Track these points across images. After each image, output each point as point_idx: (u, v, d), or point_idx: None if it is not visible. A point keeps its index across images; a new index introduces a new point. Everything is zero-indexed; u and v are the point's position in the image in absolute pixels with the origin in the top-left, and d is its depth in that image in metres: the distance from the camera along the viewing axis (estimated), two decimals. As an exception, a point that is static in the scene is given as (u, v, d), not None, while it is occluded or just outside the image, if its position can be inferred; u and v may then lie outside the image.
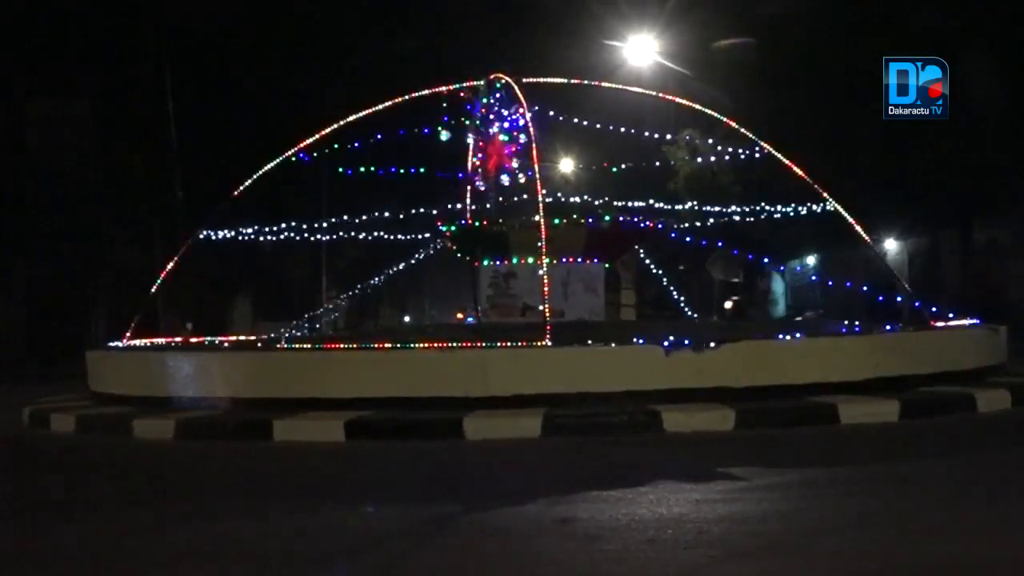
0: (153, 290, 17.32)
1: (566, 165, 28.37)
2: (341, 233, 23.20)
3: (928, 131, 20.86)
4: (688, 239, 22.35)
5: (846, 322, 15.94)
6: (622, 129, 19.88)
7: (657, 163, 25.17)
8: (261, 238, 20.36)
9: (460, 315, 18.13)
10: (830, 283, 32.78)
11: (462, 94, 16.94)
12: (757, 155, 17.21)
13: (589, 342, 11.66)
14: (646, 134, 20.75)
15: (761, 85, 25.77)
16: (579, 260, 16.88)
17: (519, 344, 11.67)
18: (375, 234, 21.59)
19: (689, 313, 22.16)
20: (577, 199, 22.57)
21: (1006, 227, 28.63)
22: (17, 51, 28.52)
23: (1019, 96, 23.55)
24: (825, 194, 15.64)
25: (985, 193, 26.08)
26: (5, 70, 28.66)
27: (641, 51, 26.80)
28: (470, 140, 17.35)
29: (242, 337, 20.73)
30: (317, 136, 16.53)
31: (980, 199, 26.38)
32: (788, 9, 25.41)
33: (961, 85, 17.83)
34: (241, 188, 16.16)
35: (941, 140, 22.97)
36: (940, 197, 26.57)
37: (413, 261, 20.44)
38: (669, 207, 24.67)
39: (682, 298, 22.33)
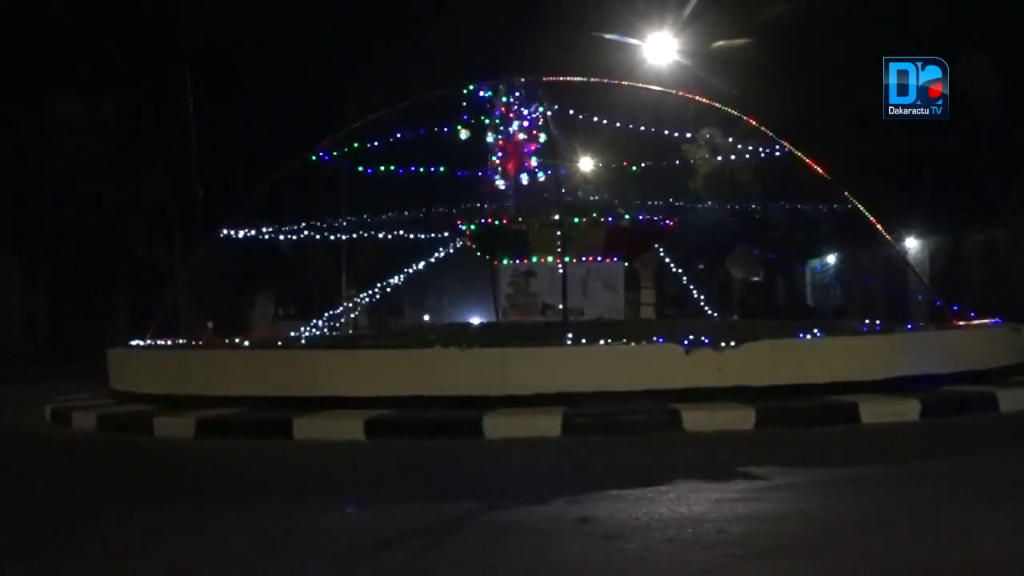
0: (174, 289, 17.41)
1: (585, 164, 28.31)
2: (361, 232, 23.26)
3: (942, 130, 20.75)
4: (708, 238, 22.32)
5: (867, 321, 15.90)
6: (642, 128, 19.87)
7: (677, 162, 25.12)
8: (281, 237, 20.45)
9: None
10: (851, 282, 32.72)
11: (481, 93, 16.98)
12: (777, 153, 17.15)
13: (608, 341, 11.65)
14: (666, 131, 20.72)
15: (777, 83, 25.68)
16: (598, 259, 16.89)
17: (538, 343, 11.68)
18: (395, 233, 21.65)
19: (709, 312, 22.13)
20: (596, 198, 22.56)
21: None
22: (41, 52, 28.71)
23: None
24: (846, 193, 15.59)
25: (999, 192, 25.92)
26: (29, 71, 28.85)
27: (660, 50, 26.76)
28: (490, 139, 17.37)
29: (262, 336, 20.81)
30: (337, 136, 16.58)
31: (1001, 197, 26.20)
32: (807, 6, 25.31)
33: (969, 83, 17.76)
34: (262, 187, 16.22)
35: (954, 138, 22.87)
36: (961, 195, 26.41)
37: (433, 260, 20.48)
38: (689, 206, 24.65)
39: (702, 297, 22.30)
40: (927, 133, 21.73)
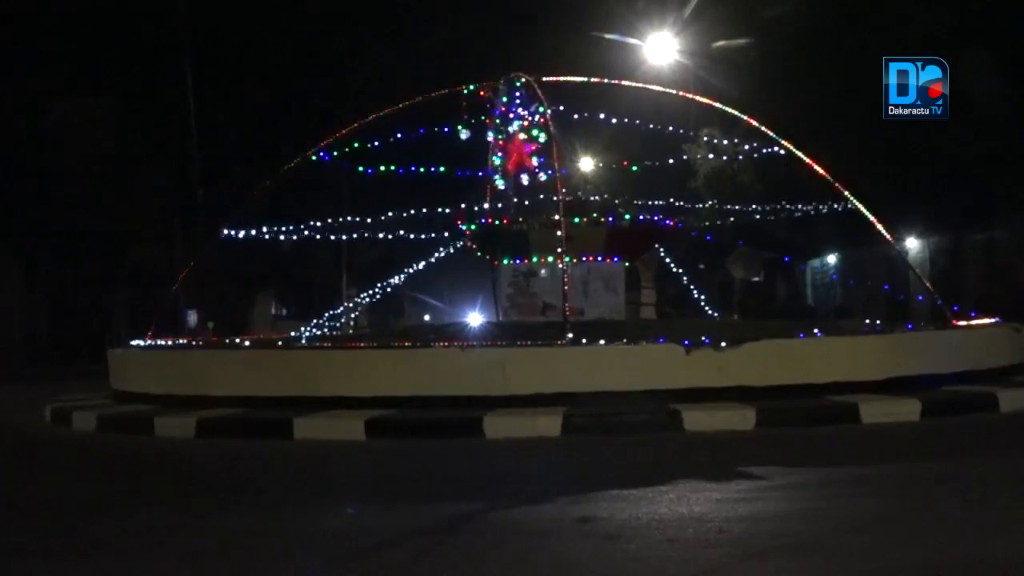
0: (174, 289, 17.40)
1: (586, 164, 28.30)
2: (361, 232, 23.24)
3: (942, 130, 20.74)
4: (708, 238, 22.30)
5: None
6: (641, 127, 19.86)
7: (671, 160, 25.08)
8: (282, 237, 20.43)
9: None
10: (851, 282, 32.69)
11: (482, 93, 16.96)
12: (780, 152, 17.11)
13: (608, 341, 11.65)
14: (670, 128, 20.71)
15: (777, 83, 25.68)
16: (599, 259, 16.88)
17: (539, 343, 11.68)
18: (395, 233, 21.61)
19: (709, 312, 22.12)
20: (597, 198, 22.53)
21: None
22: (39, 50, 28.67)
23: None
24: (846, 193, 15.56)
25: (999, 192, 25.90)
26: (28, 69, 28.80)
27: (660, 50, 26.76)
28: (490, 139, 17.36)
29: (263, 336, 20.81)
30: (337, 135, 16.58)
31: (1001, 196, 26.19)
32: (807, 6, 25.31)
33: (969, 83, 17.75)
34: (262, 187, 16.22)
35: (954, 138, 22.84)
36: (961, 195, 26.40)
37: (433, 260, 20.45)
38: (689, 206, 24.62)
39: (702, 297, 22.30)
40: (927, 133, 21.71)
